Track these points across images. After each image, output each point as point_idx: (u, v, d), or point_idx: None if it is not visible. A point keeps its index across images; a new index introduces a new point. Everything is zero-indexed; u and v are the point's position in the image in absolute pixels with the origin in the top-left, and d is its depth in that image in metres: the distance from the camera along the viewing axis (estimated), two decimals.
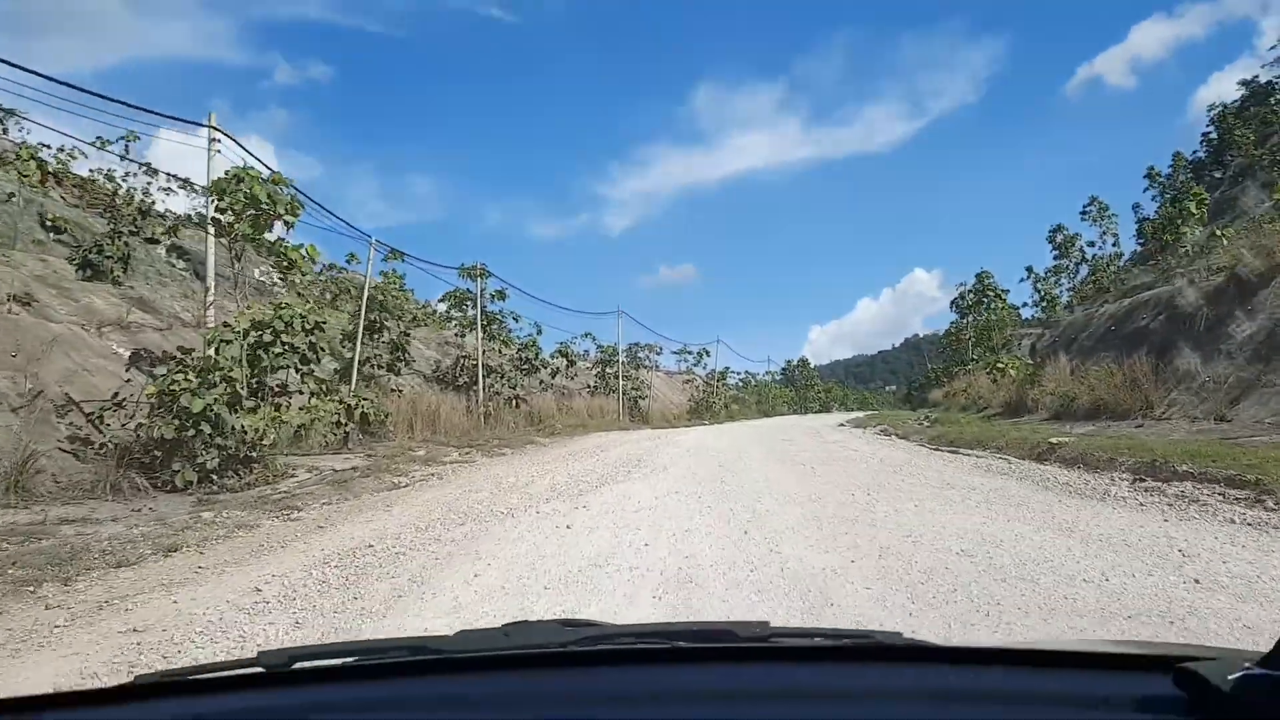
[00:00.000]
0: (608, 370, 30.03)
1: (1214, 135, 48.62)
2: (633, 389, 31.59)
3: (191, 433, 7.93)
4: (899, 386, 68.19)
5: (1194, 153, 51.27)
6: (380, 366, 15.01)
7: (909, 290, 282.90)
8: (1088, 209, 48.71)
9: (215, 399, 8.14)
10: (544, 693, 0.96)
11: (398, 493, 8.26)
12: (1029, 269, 33.48)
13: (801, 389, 58.41)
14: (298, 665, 1.05)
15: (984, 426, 13.23)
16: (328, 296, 21.58)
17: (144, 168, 15.24)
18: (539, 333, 27.06)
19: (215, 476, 8.07)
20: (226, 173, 10.13)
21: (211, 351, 8.73)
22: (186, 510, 6.70)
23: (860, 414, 37.51)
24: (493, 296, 21.01)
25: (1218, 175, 42.32)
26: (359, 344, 13.90)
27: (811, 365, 63.93)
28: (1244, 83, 47.36)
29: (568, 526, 5.81)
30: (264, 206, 10.18)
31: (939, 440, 12.35)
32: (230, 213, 10.10)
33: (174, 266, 14.99)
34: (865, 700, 0.86)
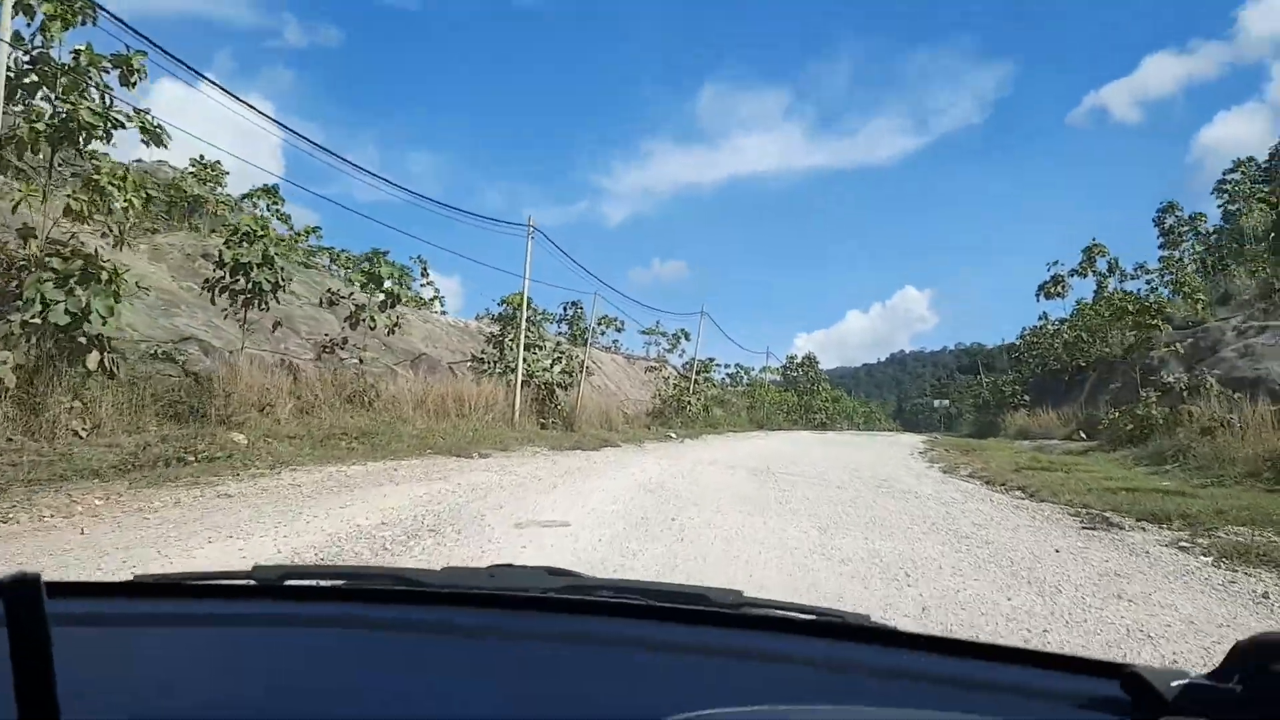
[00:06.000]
0: (509, 337, 17.54)
1: None
2: (561, 371, 19.09)
3: None
4: (944, 403, 55.46)
5: None
6: None
7: (899, 307, 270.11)
8: (1229, 175, 36.66)
9: None
10: (525, 629, 0.97)
11: None
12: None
13: (805, 395, 46.03)
14: (289, 582, 1.06)
15: None
16: None
17: None
18: (386, 261, 14.13)
19: None
20: None
21: None
22: None
23: (917, 439, 25.17)
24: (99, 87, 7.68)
25: None
26: None
27: (819, 367, 51.48)
28: None
29: None
30: None
31: None
32: None
33: None
34: (825, 669, 0.89)
